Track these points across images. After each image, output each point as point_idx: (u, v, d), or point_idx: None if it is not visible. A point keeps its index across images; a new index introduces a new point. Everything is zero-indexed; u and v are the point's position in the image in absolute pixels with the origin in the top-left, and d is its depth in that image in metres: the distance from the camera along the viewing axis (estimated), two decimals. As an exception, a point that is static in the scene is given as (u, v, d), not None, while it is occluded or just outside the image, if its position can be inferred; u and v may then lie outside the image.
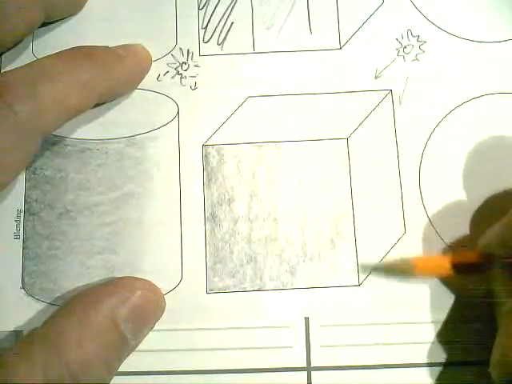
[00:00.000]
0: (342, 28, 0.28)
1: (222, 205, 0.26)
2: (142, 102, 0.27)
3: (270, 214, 0.26)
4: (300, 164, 0.26)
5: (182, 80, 0.27)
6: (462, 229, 0.26)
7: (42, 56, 0.25)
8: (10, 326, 0.25)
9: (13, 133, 0.22)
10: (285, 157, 0.27)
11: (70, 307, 0.23)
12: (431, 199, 0.26)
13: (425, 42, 0.28)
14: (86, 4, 0.28)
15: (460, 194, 0.26)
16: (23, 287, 0.25)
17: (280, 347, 0.25)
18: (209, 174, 0.26)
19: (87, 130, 0.27)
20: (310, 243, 0.26)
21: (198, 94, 0.27)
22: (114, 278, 0.25)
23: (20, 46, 0.28)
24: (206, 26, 0.28)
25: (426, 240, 0.26)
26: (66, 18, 0.28)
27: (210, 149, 0.27)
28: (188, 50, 0.28)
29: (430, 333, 0.25)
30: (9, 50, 0.27)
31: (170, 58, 0.28)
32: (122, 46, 0.26)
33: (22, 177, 0.26)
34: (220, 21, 0.28)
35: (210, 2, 0.28)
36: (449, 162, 0.26)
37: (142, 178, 0.26)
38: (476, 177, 0.26)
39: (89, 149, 0.26)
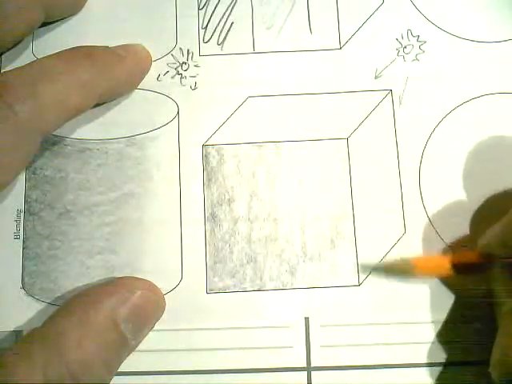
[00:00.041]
0: (342, 28, 0.28)
1: (221, 205, 0.26)
2: (142, 102, 0.27)
3: (270, 214, 0.26)
4: (300, 164, 0.26)
5: (182, 80, 0.27)
6: (462, 229, 0.26)
7: (41, 56, 0.25)
8: (10, 326, 0.25)
9: (13, 133, 0.22)
10: (285, 157, 0.27)
11: (70, 307, 0.23)
12: (431, 199, 0.26)
13: (425, 42, 0.28)
14: (86, 4, 0.28)
15: (460, 194, 0.26)
16: (23, 287, 0.25)
17: (280, 347, 0.25)
18: (209, 174, 0.26)
19: (87, 130, 0.27)
20: (310, 243, 0.26)
21: (197, 94, 0.27)
22: (114, 278, 0.25)
23: (20, 45, 0.28)
24: (206, 26, 0.28)
25: (426, 240, 0.26)
26: (65, 18, 0.28)
27: (209, 149, 0.27)
28: (188, 50, 0.28)
29: (430, 333, 0.25)
30: (9, 50, 0.27)
31: (170, 58, 0.28)
32: (122, 46, 0.26)
33: (22, 177, 0.26)
34: (220, 21, 0.28)
35: (210, 2, 0.28)
36: (449, 162, 0.26)
37: (142, 178, 0.26)
38: (476, 177, 0.26)
39: (89, 149, 0.26)
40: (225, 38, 0.28)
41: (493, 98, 0.27)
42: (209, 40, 0.28)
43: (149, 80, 0.27)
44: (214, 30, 0.28)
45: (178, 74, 0.27)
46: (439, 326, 0.25)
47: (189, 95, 0.27)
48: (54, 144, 0.26)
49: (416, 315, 0.25)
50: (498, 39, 0.28)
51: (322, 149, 0.27)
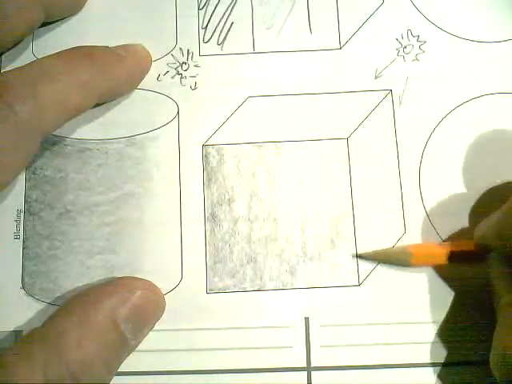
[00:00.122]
0: (342, 28, 0.28)
1: (221, 205, 0.26)
2: (142, 102, 0.27)
3: (270, 214, 0.26)
4: (300, 164, 0.26)
5: (182, 80, 0.27)
6: (462, 229, 0.26)
7: (41, 56, 0.25)
8: (10, 326, 0.25)
9: (13, 133, 0.22)
10: (285, 157, 0.27)
11: (70, 307, 0.23)
12: (431, 199, 0.26)
13: (425, 42, 0.28)
14: (86, 4, 0.28)
15: (460, 194, 0.26)
16: (23, 287, 0.25)
17: (280, 347, 0.25)
18: (209, 174, 0.26)
19: (87, 130, 0.27)
20: (310, 243, 0.26)
21: (197, 94, 0.27)
22: (114, 278, 0.25)
23: (20, 45, 0.28)
24: (206, 26, 0.28)
25: (426, 240, 0.26)
26: (65, 18, 0.28)
27: (209, 149, 0.27)
28: (188, 50, 0.28)
29: (430, 333, 0.25)
30: (9, 50, 0.27)
31: (170, 58, 0.28)
32: (122, 46, 0.26)
33: (22, 177, 0.26)
34: (220, 21, 0.28)
35: (210, 2, 0.28)
36: (449, 162, 0.26)
37: (142, 178, 0.26)
38: (476, 177, 0.26)
39: (89, 149, 0.26)
40: (225, 37, 0.28)
41: (493, 98, 0.27)
42: (209, 40, 0.28)
43: (149, 80, 0.27)
44: (214, 30, 0.28)
45: (178, 74, 0.27)
46: (439, 326, 0.25)
47: (189, 95, 0.27)
48: (53, 144, 0.26)
49: (416, 315, 0.25)
50: (497, 39, 0.28)
51: (322, 149, 0.27)
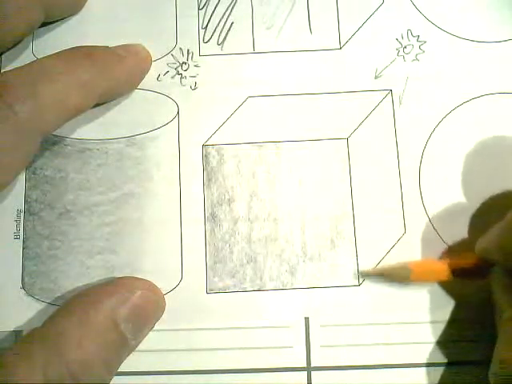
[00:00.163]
0: (342, 28, 0.28)
1: (221, 205, 0.26)
2: (142, 102, 0.27)
3: (270, 213, 0.26)
4: (300, 164, 0.26)
5: (182, 80, 0.27)
6: (462, 229, 0.26)
7: (41, 56, 0.25)
8: (10, 326, 0.25)
9: (13, 133, 0.22)
10: (285, 157, 0.27)
11: (70, 307, 0.23)
12: (431, 199, 0.26)
13: (425, 42, 0.28)
14: (86, 4, 0.28)
15: (460, 194, 0.26)
16: (23, 287, 0.25)
17: (280, 347, 0.25)
18: (209, 174, 0.26)
19: (87, 130, 0.27)
20: (310, 243, 0.26)
21: (197, 94, 0.27)
22: (114, 278, 0.25)
23: (20, 45, 0.28)
24: (206, 26, 0.28)
25: (426, 240, 0.26)
26: (65, 18, 0.28)
27: (209, 149, 0.27)
28: (188, 50, 0.28)
29: (429, 333, 0.25)
30: (9, 49, 0.27)
31: (170, 58, 0.28)
32: (122, 45, 0.26)
33: (22, 177, 0.26)
34: (220, 21, 0.28)
35: (210, 2, 0.28)
36: (449, 162, 0.26)
37: (142, 178, 0.26)
38: (476, 177, 0.26)
39: (89, 149, 0.26)
40: (225, 37, 0.28)
41: (493, 98, 0.27)
42: (209, 40, 0.28)
43: (149, 80, 0.27)
44: (214, 30, 0.28)
45: (178, 74, 0.27)
46: (439, 326, 0.25)
47: (189, 95, 0.27)
48: (54, 144, 0.26)
49: (416, 315, 0.25)
50: (498, 39, 0.28)
51: (322, 149, 0.27)
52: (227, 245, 0.26)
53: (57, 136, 0.26)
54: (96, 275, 0.25)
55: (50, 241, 0.26)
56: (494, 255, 0.22)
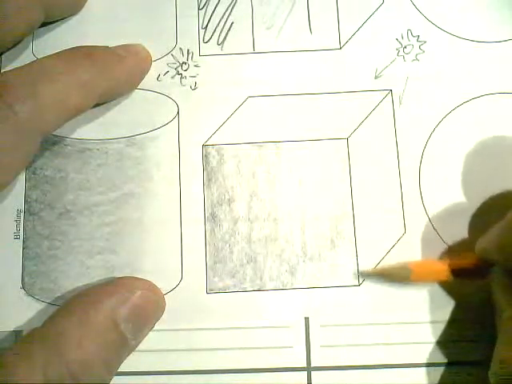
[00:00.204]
0: (342, 28, 0.28)
1: (221, 205, 0.26)
2: (142, 102, 0.27)
3: (270, 213, 0.26)
4: (300, 164, 0.26)
5: (182, 80, 0.27)
6: (462, 229, 0.26)
7: (41, 56, 0.25)
8: (10, 326, 0.25)
9: (13, 133, 0.22)
10: (285, 157, 0.27)
11: (70, 307, 0.23)
12: (431, 199, 0.26)
13: (425, 42, 0.28)
14: (86, 4, 0.28)
15: (460, 194, 0.26)
16: (23, 287, 0.25)
17: (280, 347, 0.25)
18: (209, 174, 0.26)
19: (87, 130, 0.27)
20: (310, 243, 0.26)
21: (197, 94, 0.27)
22: (114, 278, 0.25)
23: (20, 45, 0.28)
24: (206, 26, 0.28)
25: (426, 240, 0.26)
26: (66, 18, 0.28)
27: (209, 149, 0.27)
28: (188, 50, 0.28)
29: (429, 333, 0.25)
30: (9, 49, 0.27)
31: (170, 58, 0.28)
32: (122, 46, 0.26)
33: (22, 177, 0.26)
34: (220, 21, 0.28)
35: (210, 2, 0.28)
36: (449, 162, 0.26)
37: (142, 178, 0.26)
38: (476, 177, 0.26)
39: (89, 149, 0.26)
40: (225, 37, 0.28)
41: (493, 98, 0.27)
42: (209, 40, 0.28)
43: (149, 80, 0.27)
44: (214, 30, 0.28)
45: (178, 74, 0.27)
46: (439, 326, 0.25)
47: (189, 95, 0.27)
48: (54, 144, 0.26)
49: (416, 315, 0.25)
50: (498, 39, 0.28)
51: (322, 149, 0.27)
52: (227, 245, 0.26)
53: (57, 136, 0.26)
54: (96, 275, 0.25)
55: (50, 241, 0.26)
56: (494, 255, 0.22)
